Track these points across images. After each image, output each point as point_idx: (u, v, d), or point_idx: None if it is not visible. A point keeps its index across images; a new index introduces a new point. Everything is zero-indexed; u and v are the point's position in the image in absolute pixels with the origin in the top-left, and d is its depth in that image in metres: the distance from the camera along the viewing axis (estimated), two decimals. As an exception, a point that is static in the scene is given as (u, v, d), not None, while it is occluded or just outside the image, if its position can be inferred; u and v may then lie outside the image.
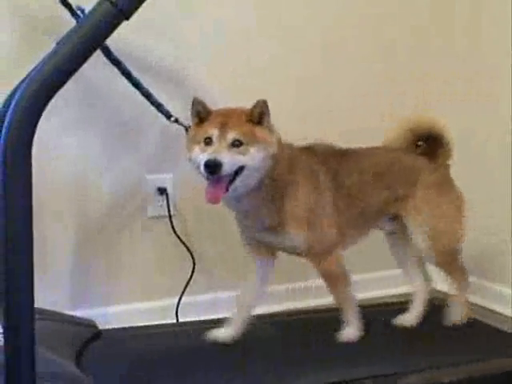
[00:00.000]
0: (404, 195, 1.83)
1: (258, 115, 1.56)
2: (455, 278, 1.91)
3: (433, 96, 2.46)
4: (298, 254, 1.73)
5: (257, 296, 1.81)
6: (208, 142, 1.54)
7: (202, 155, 1.53)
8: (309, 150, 1.76)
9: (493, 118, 2.34)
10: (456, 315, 1.89)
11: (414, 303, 1.95)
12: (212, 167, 1.48)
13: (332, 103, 2.37)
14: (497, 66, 2.30)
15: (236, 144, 1.52)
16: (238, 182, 1.54)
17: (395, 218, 1.87)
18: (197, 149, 1.56)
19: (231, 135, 1.53)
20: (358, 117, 2.37)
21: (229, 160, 1.50)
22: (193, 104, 1.62)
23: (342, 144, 1.84)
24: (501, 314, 2.24)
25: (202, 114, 1.61)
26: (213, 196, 1.53)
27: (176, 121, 1.78)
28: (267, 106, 1.57)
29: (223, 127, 1.54)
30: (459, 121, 2.36)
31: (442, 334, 1.83)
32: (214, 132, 1.54)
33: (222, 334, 1.78)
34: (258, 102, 1.56)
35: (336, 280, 1.73)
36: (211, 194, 1.53)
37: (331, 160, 1.76)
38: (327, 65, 2.36)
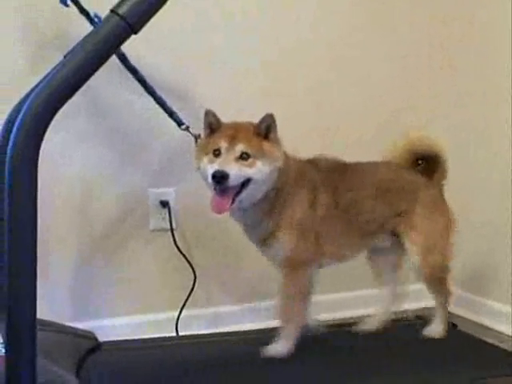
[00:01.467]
0: (403, 212, 1.85)
1: (265, 129, 1.60)
2: (442, 294, 1.93)
3: (435, 109, 2.49)
4: (277, 263, 1.74)
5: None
6: (217, 153, 1.58)
7: (210, 166, 1.56)
8: (312, 163, 1.78)
9: (492, 133, 2.36)
10: (434, 332, 1.92)
11: (375, 315, 1.98)
12: (219, 178, 1.52)
13: (334, 116, 2.39)
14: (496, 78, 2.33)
15: (244, 157, 1.56)
16: (244, 194, 1.58)
17: (392, 234, 1.90)
18: (205, 159, 1.60)
19: (239, 148, 1.56)
20: (358, 130, 2.39)
21: (235, 172, 1.53)
22: (205, 115, 1.66)
23: (344, 157, 1.85)
24: (500, 333, 2.24)
25: (213, 125, 1.65)
26: (219, 207, 1.56)
27: (187, 128, 1.81)
28: (274, 120, 1.60)
29: (232, 140, 1.58)
30: (456, 137, 2.40)
31: (436, 351, 1.82)
32: (222, 144, 1.58)
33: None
34: (266, 116, 1.60)
35: (295, 295, 1.73)
36: (217, 204, 1.56)
37: (333, 175, 1.78)
38: (331, 80, 2.37)
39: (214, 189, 1.56)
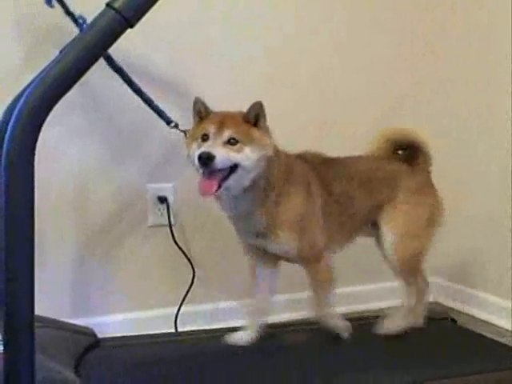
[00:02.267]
0: (384, 201, 1.87)
1: (254, 117, 1.60)
2: (413, 286, 1.90)
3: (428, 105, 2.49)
4: (290, 259, 1.76)
5: (267, 299, 1.86)
6: (205, 138, 1.59)
7: (198, 150, 1.56)
8: (301, 157, 1.80)
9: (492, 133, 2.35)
10: (391, 326, 1.87)
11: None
12: (205, 159, 1.52)
13: (327, 113, 2.40)
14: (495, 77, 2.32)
15: (231, 142, 1.56)
16: (231, 180, 1.57)
17: (375, 225, 1.91)
18: (194, 145, 1.61)
19: (227, 132, 1.57)
20: (351, 126, 2.40)
21: (222, 155, 1.53)
22: (194, 103, 1.67)
23: (336, 153, 1.87)
24: (499, 327, 2.24)
25: (202, 113, 1.65)
26: (205, 189, 1.56)
27: (176, 126, 1.82)
28: (263, 108, 1.60)
29: (220, 125, 1.58)
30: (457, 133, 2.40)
31: (437, 346, 1.82)
32: (210, 129, 1.58)
33: (240, 336, 1.82)
34: (255, 103, 1.60)
35: (323, 286, 1.76)
36: (204, 187, 1.56)
37: (321, 168, 1.80)
38: (326, 75, 2.38)
39: (202, 173, 1.56)
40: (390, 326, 1.87)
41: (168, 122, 1.84)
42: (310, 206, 1.72)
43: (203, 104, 1.66)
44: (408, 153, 1.93)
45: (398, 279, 1.90)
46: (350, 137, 2.36)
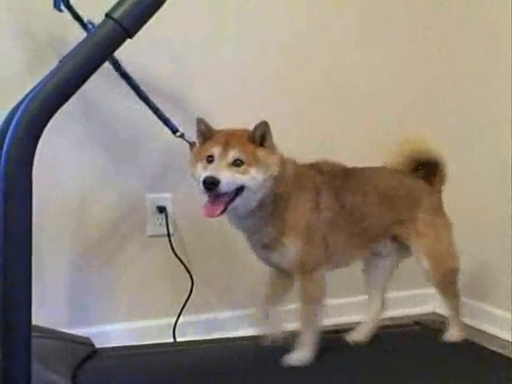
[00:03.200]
0: (407, 218, 1.85)
1: (260, 136, 1.58)
2: (453, 299, 1.93)
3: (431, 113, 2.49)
4: (288, 269, 1.73)
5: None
6: (210, 160, 1.56)
7: (203, 172, 1.54)
8: (314, 167, 1.77)
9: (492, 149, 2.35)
10: (453, 336, 1.91)
11: (364, 324, 1.95)
12: (209, 184, 1.49)
13: (340, 110, 2.41)
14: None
15: (237, 163, 1.53)
16: (237, 201, 1.55)
17: (392, 240, 1.89)
18: (199, 166, 1.58)
19: (232, 154, 1.54)
20: (363, 122, 2.41)
21: (227, 178, 1.51)
22: (197, 123, 1.64)
23: (346, 151, 1.90)
24: (500, 339, 2.23)
25: (205, 133, 1.63)
26: (209, 211, 1.53)
27: (182, 136, 1.79)
28: (269, 127, 1.58)
29: (225, 146, 1.55)
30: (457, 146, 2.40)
31: (435, 357, 1.81)
32: (215, 150, 1.56)
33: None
34: (260, 123, 1.57)
35: (313, 299, 1.72)
36: (208, 209, 1.54)
37: (336, 179, 1.77)
38: (338, 72, 2.40)
39: (208, 195, 1.54)
40: (450, 337, 1.92)
41: (174, 131, 1.81)
42: (316, 217, 1.70)
43: (206, 124, 1.63)
44: (427, 170, 1.91)
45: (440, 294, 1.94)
46: (362, 133, 2.37)
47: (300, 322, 1.72)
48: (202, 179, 1.50)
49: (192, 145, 1.72)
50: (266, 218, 1.64)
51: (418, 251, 1.86)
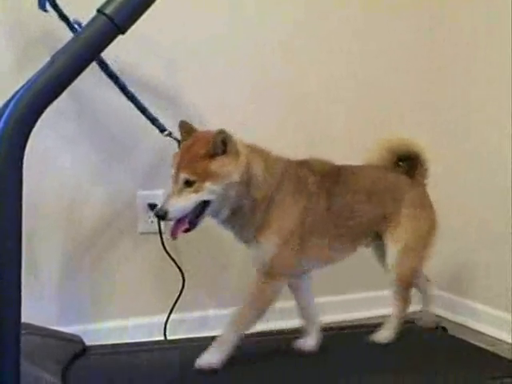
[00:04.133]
0: (389, 213, 1.86)
1: (221, 145, 1.57)
2: (405, 299, 1.91)
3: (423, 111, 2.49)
4: (259, 267, 1.70)
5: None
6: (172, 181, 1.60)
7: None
8: (305, 165, 1.76)
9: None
10: (385, 337, 1.89)
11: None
12: (160, 217, 1.56)
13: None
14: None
15: (188, 183, 1.55)
16: (208, 213, 1.60)
17: (377, 237, 1.90)
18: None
19: (182, 176, 1.56)
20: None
21: (175, 205, 1.55)
22: (179, 127, 1.67)
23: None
24: (490, 336, 2.24)
25: (185, 136, 1.66)
26: (171, 232, 1.60)
27: (169, 135, 1.80)
28: (227, 134, 1.56)
29: (178, 167, 1.58)
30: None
31: (427, 354, 1.82)
32: (172, 171, 1.59)
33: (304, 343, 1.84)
34: (217, 132, 1.56)
35: (259, 303, 1.69)
36: (172, 230, 1.60)
37: (327, 179, 1.77)
38: (321, 83, 2.38)
39: None
40: (381, 336, 1.89)
41: (162, 130, 1.82)
42: (299, 220, 1.69)
43: (186, 127, 1.66)
44: (408, 164, 1.92)
45: (393, 291, 1.90)
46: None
47: (231, 321, 1.69)
48: (153, 212, 1.60)
49: (180, 143, 1.72)
50: (251, 218, 1.65)
51: (388, 245, 1.85)
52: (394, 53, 2.46)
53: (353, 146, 2.29)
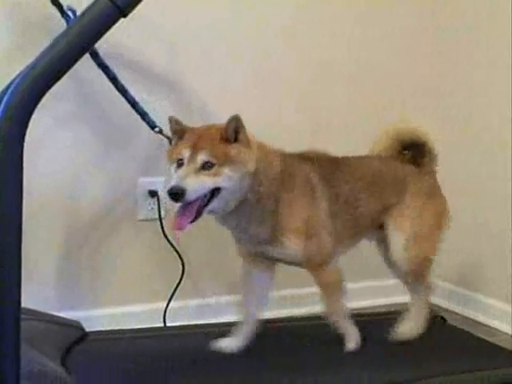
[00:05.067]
0: (392, 203, 1.82)
1: (233, 132, 1.50)
2: (420, 290, 1.86)
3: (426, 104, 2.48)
4: (296, 265, 1.70)
5: (260, 305, 1.78)
6: (180, 163, 1.50)
7: (171, 179, 1.48)
8: (305, 157, 1.72)
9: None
10: (408, 332, 1.83)
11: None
12: (175, 195, 1.42)
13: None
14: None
15: (207, 166, 1.47)
16: (214, 203, 1.50)
17: (381, 228, 1.85)
18: (171, 170, 1.53)
19: (201, 157, 1.47)
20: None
21: (194, 185, 1.44)
22: (169, 122, 1.59)
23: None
24: (489, 327, 2.24)
25: (178, 132, 1.57)
26: (177, 224, 1.48)
27: (160, 132, 1.75)
28: (241, 121, 1.51)
29: (194, 148, 1.48)
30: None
31: (426, 344, 1.82)
32: (185, 153, 1.49)
33: (227, 343, 1.75)
34: (231, 119, 1.50)
35: (334, 290, 1.70)
36: (176, 222, 1.48)
37: (327, 169, 1.73)
38: (323, 68, 2.37)
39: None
40: (405, 331, 1.83)
41: (152, 126, 1.77)
42: (314, 209, 1.65)
43: (177, 122, 1.58)
44: (414, 152, 1.87)
45: (405, 283, 1.88)
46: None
47: (328, 312, 1.71)
48: (167, 190, 1.44)
49: (171, 140, 1.66)
50: (254, 216, 1.57)
51: (391, 233, 1.80)
52: (397, 37, 2.45)
53: (355, 130, 2.29)
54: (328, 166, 1.74)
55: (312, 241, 1.64)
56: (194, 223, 1.51)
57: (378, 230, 1.86)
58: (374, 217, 1.81)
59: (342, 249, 1.80)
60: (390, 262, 1.86)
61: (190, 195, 1.43)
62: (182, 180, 1.44)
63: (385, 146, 1.87)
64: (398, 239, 1.80)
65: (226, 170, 1.48)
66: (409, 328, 1.84)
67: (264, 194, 1.57)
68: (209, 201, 1.49)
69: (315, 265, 1.67)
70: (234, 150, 1.49)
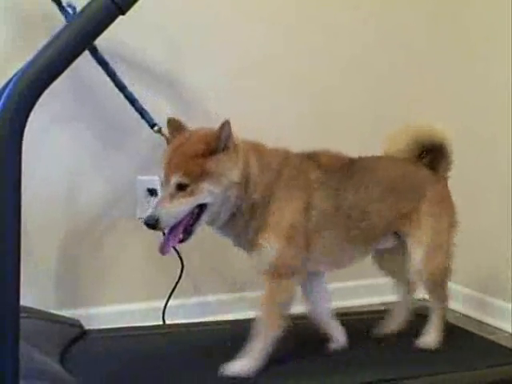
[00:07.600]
0: (410, 211, 1.72)
1: (224, 140, 1.42)
2: (441, 299, 1.81)
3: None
4: (261, 273, 1.57)
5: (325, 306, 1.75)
6: (162, 183, 1.46)
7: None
8: (311, 159, 1.62)
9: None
10: (429, 342, 1.77)
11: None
12: (151, 226, 1.39)
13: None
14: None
15: (181, 187, 1.40)
16: (204, 219, 1.45)
17: (395, 235, 1.76)
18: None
19: (174, 180, 1.40)
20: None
21: (168, 212, 1.39)
22: (167, 123, 1.54)
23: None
24: (488, 324, 2.24)
25: (174, 135, 1.52)
26: (160, 249, 1.45)
27: (159, 130, 1.73)
28: (229, 128, 1.42)
29: (168, 169, 1.42)
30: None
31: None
32: (161, 175, 1.44)
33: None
34: (222, 125, 1.42)
35: (274, 308, 1.56)
36: (160, 246, 1.45)
37: (336, 174, 1.62)
38: (323, 66, 2.37)
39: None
40: (428, 341, 1.78)
41: (151, 124, 1.74)
42: (302, 218, 1.54)
43: (175, 125, 1.52)
44: (432, 156, 1.77)
45: (425, 291, 1.83)
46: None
47: (257, 328, 1.56)
48: (143, 218, 1.41)
49: (169, 140, 1.61)
50: (247, 221, 1.51)
51: (411, 244, 1.72)
52: (407, 38, 2.46)
53: (369, 128, 2.30)
54: (337, 171, 1.63)
55: (287, 248, 1.53)
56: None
57: (391, 237, 1.76)
58: (386, 226, 1.71)
59: (350, 260, 1.72)
60: (405, 271, 1.78)
61: (165, 223, 1.40)
62: (156, 209, 1.40)
63: (401, 147, 1.76)
64: (418, 251, 1.72)
65: (206, 185, 1.41)
66: (432, 338, 1.78)
67: (259, 200, 1.51)
68: (197, 219, 1.44)
69: (277, 275, 1.54)
70: (212, 162, 1.41)
